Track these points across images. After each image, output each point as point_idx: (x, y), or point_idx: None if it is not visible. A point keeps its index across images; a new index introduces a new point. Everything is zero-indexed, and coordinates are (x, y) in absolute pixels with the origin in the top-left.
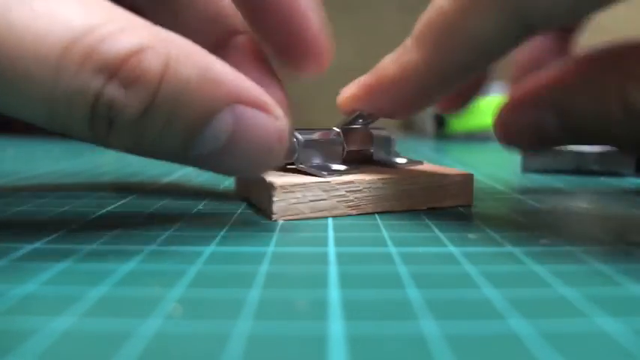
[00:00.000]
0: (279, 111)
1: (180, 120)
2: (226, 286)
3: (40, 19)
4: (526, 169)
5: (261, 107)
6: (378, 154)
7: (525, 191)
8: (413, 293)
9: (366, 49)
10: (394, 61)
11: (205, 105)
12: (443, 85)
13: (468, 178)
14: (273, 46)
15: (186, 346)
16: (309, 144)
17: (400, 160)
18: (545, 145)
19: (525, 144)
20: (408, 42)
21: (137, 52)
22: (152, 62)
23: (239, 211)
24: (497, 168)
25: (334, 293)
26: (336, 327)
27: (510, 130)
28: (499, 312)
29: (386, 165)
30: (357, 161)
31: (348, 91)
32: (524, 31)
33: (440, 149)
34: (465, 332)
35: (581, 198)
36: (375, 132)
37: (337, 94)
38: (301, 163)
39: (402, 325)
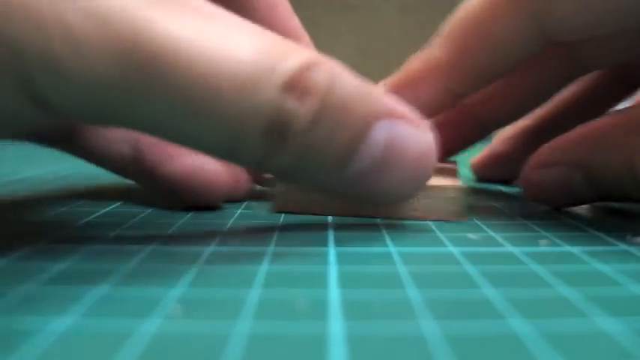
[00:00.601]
0: (428, 126)
1: (343, 130)
2: (226, 286)
3: (228, 41)
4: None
5: (412, 121)
6: None
7: None
8: (413, 293)
9: (366, 49)
10: (420, 57)
11: (364, 116)
12: (464, 83)
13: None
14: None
15: (186, 346)
16: None
17: None
18: (574, 203)
19: (554, 201)
20: (435, 40)
21: (307, 68)
22: (320, 76)
23: (239, 211)
24: None
25: (334, 293)
26: (336, 327)
27: (539, 186)
28: (499, 312)
29: None
30: None
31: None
32: (543, 38)
33: None
34: (465, 332)
35: None
36: None
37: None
38: None
39: (402, 325)
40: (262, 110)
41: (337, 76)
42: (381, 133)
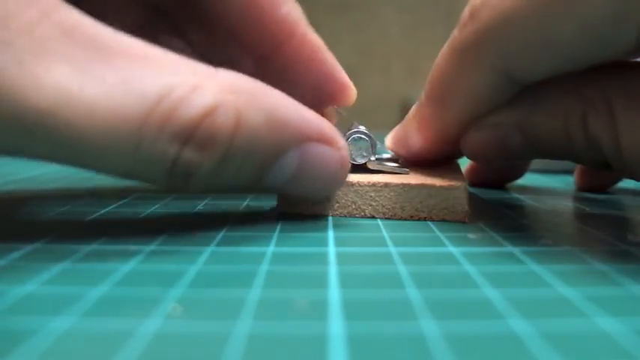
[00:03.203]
0: (341, 141)
1: (251, 163)
2: (226, 286)
3: (113, 93)
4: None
5: (325, 141)
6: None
7: (525, 191)
8: (413, 293)
9: (366, 49)
10: (413, 115)
11: (274, 147)
12: (454, 131)
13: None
14: (307, 89)
15: (186, 346)
16: None
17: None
18: (509, 159)
19: (491, 158)
20: (422, 96)
21: (210, 111)
22: (224, 120)
23: (239, 210)
24: None
25: (334, 293)
26: (336, 327)
27: (477, 146)
28: (499, 312)
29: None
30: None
31: (388, 142)
32: (511, 85)
33: None
34: (465, 332)
35: (580, 198)
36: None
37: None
38: None
39: (402, 325)
40: (157, 161)
41: (244, 112)
42: (293, 156)
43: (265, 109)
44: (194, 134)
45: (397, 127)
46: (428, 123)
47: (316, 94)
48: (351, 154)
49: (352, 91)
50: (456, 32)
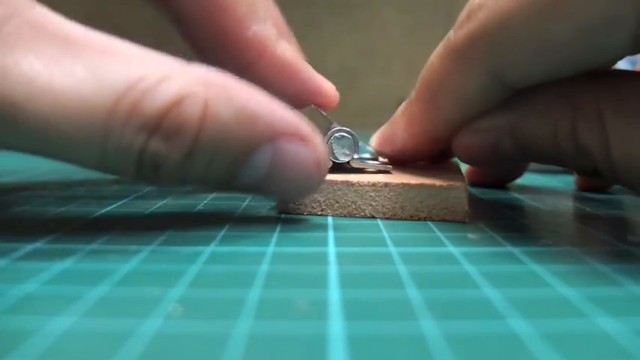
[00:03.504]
0: (317, 140)
1: (222, 158)
2: (226, 286)
3: (82, 84)
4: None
5: (299, 139)
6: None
7: (525, 191)
8: (413, 293)
9: (366, 49)
10: (402, 113)
11: (244, 143)
12: (443, 131)
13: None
14: (287, 101)
15: (186, 346)
16: None
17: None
18: (501, 162)
19: (483, 161)
20: (412, 95)
21: (177, 102)
22: (191, 110)
23: (239, 210)
24: None
25: (334, 293)
26: (336, 327)
27: (469, 149)
28: (499, 312)
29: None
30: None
31: (374, 140)
32: (504, 89)
33: None
34: (465, 332)
35: (580, 198)
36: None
37: (338, 92)
38: None
39: (402, 325)
40: (125, 152)
41: (212, 105)
42: (265, 154)
43: (235, 103)
44: (160, 125)
45: (384, 126)
46: (417, 122)
47: (298, 105)
48: (334, 153)
49: (332, 96)
50: (451, 33)
